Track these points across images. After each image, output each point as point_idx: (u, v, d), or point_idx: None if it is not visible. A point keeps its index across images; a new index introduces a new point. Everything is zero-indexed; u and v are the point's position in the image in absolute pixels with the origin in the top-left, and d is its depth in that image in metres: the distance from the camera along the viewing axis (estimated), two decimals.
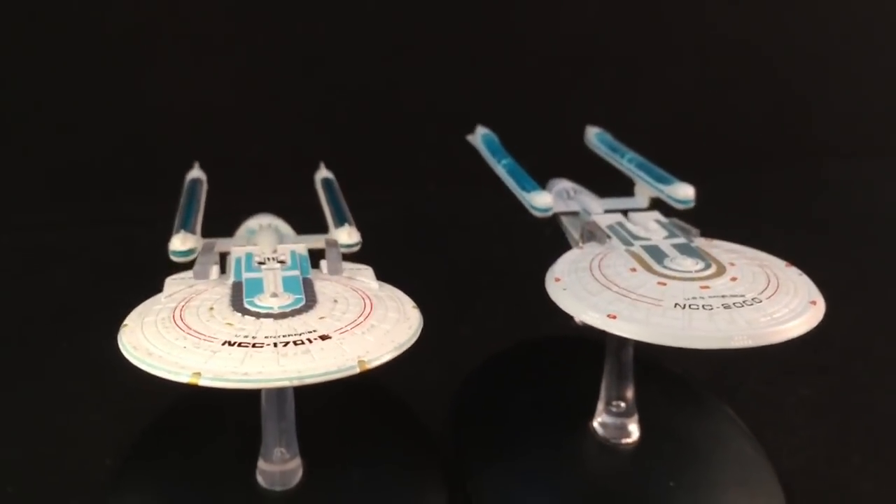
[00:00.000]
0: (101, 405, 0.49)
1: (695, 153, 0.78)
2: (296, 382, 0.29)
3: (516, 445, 0.43)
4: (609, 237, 0.42)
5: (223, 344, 0.31)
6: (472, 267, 0.67)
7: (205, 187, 0.51)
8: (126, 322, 0.34)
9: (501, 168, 0.50)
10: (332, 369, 0.30)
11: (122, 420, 0.48)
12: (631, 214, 0.45)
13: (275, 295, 0.34)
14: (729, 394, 0.50)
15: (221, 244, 0.43)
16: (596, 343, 0.43)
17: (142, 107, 0.80)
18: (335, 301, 0.35)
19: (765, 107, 0.94)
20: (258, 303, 0.34)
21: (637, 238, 0.41)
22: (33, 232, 0.74)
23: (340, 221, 0.44)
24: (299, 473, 0.40)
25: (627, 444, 0.42)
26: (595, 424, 0.43)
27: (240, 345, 0.31)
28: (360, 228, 0.44)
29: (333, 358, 0.30)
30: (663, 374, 0.50)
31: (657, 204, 0.47)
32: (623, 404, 0.43)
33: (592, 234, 0.42)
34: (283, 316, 0.33)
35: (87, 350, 0.53)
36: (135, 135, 0.80)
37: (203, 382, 0.29)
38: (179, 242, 0.40)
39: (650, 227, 0.43)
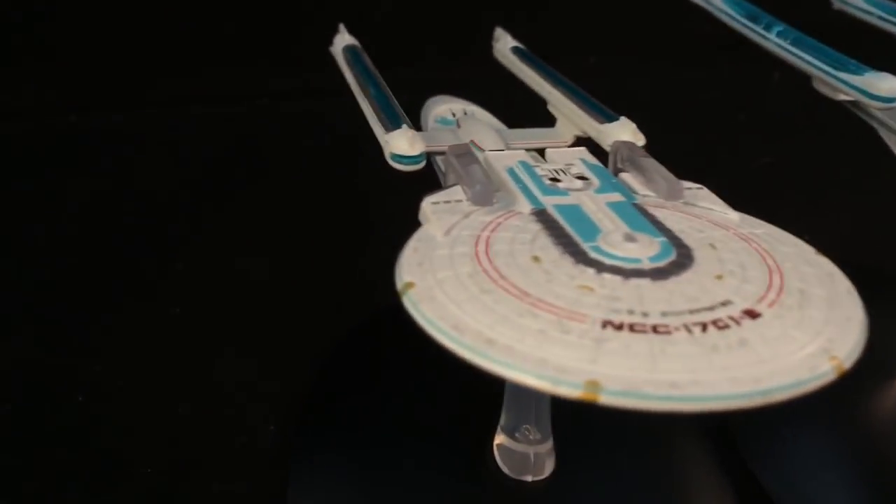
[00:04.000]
0: (245, 349, 0.38)
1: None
2: (758, 400, 0.18)
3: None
4: None
5: (604, 326, 0.19)
6: None
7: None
8: (407, 279, 0.21)
9: None
10: (803, 377, 0.18)
11: (278, 370, 0.37)
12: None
13: (630, 238, 0.22)
14: None
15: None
16: None
17: None
18: (712, 247, 0.23)
19: None
20: (612, 251, 0.22)
21: None
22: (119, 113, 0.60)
23: (605, 115, 0.31)
24: (552, 462, 0.30)
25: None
26: None
27: (632, 328, 0.19)
28: None
29: (791, 353, 0.19)
30: None
31: None
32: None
33: None
34: (661, 275, 0.21)
35: (213, 273, 0.41)
36: None
37: (605, 399, 0.18)
38: (408, 144, 0.27)
39: None
